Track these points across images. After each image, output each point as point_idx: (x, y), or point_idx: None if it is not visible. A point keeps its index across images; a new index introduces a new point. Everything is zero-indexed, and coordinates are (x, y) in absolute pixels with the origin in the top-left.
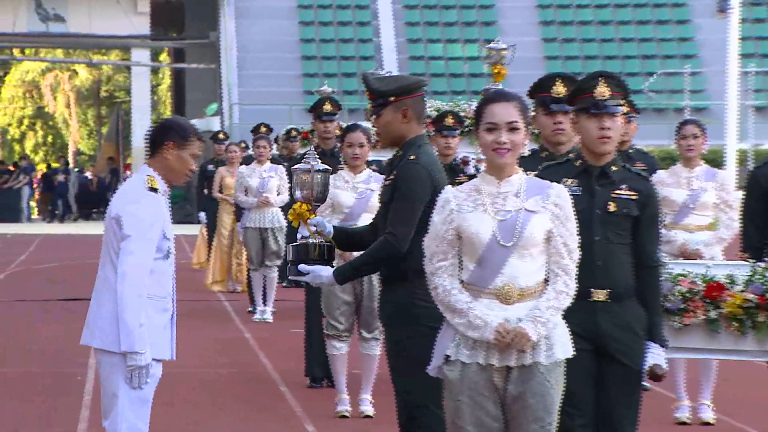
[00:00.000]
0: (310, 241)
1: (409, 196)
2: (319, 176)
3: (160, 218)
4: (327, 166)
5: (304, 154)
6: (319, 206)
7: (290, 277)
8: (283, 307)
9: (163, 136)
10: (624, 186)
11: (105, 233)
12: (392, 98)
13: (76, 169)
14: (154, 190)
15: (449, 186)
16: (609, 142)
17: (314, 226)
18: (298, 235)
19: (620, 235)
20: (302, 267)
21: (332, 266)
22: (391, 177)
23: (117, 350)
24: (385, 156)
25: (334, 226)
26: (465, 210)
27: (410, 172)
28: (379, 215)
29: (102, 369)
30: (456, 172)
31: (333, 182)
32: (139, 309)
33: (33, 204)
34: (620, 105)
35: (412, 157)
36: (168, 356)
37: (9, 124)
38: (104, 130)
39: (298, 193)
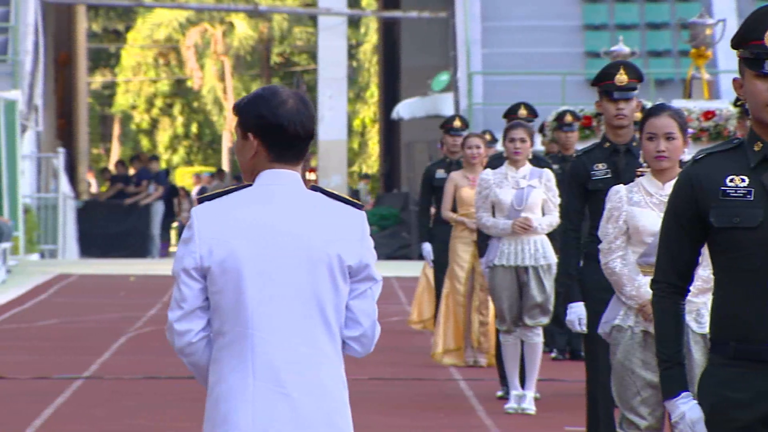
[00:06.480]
0: None
1: None
2: None
3: None
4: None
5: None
6: None
7: None
8: (552, 391)
9: (313, 125)
10: None
11: (312, 281)
12: None
13: (207, 173)
14: (358, 205)
15: None
16: None
17: None
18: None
19: None
20: None
21: None
22: None
23: None
24: None
25: None
26: None
27: None
28: None
29: None
30: None
31: (630, 196)
32: None
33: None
34: None
35: None
36: None
37: (133, 107)
38: None
39: None
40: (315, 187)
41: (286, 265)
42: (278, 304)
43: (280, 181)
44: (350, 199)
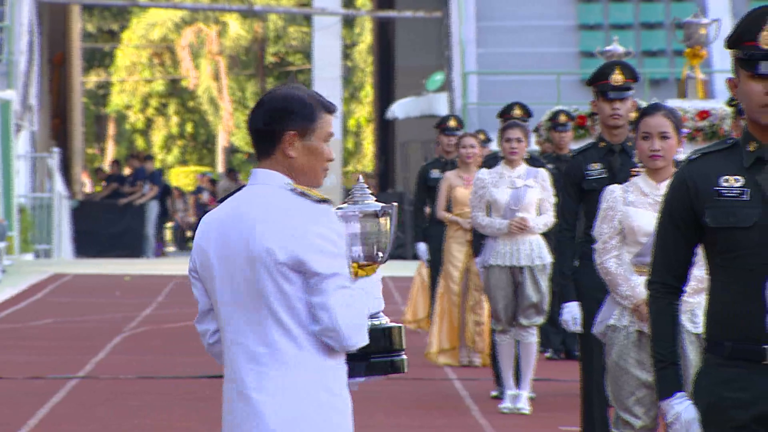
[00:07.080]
0: (382, 321)
1: None
2: (385, 222)
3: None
4: (391, 204)
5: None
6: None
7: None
8: (547, 391)
9: (279, 123)
10: None
11: (255, 280)
12: None
13: (211, 174)
14: (324, 201)
15: None
16: None
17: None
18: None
19: None
20: None
21: (399, 355)
22: None
23: None
24: None
25: None
26: None
27: None
28: None
29: None
30: None
31: (625, 196)
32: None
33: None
34: None
35: None
36: None
37: (128, 106)
38: None
39: (355, 250)
40: (289, 186)
41: (237, 267)
42: (236, 306)
43: (252, 181)
44: (313, 194)
